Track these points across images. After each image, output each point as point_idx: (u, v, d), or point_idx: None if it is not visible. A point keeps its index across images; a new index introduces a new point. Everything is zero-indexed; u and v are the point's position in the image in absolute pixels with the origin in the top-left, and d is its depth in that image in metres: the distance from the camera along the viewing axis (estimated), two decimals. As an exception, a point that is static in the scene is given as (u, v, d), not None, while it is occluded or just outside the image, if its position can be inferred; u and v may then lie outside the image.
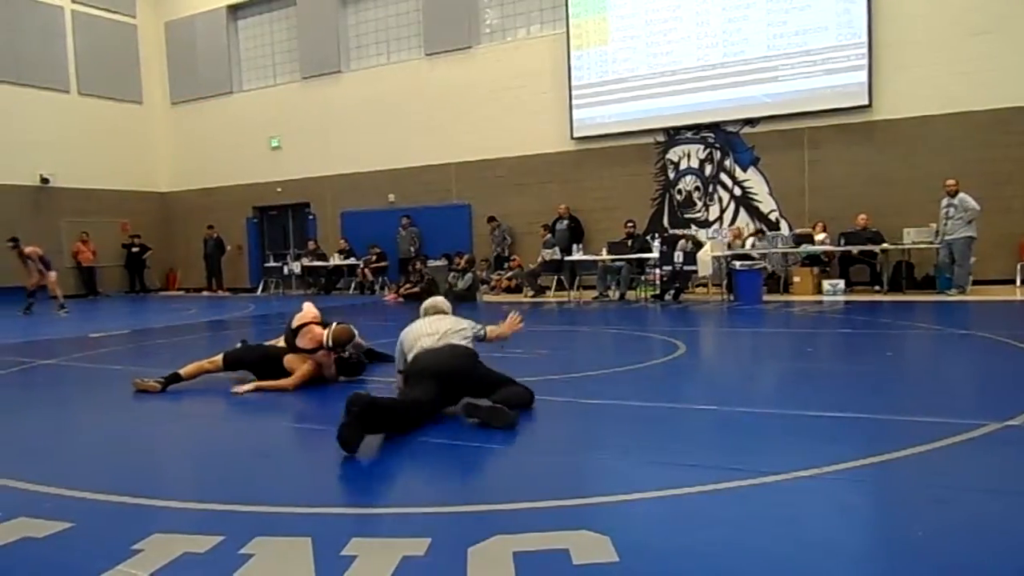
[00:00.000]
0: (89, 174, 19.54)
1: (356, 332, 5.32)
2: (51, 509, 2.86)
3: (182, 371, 5.49)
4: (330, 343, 5.23)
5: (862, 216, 12.42)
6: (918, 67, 12.68)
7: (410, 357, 4.33)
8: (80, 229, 19.20)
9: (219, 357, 5.61)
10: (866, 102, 13.07)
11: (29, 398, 5.79)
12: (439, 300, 4.96)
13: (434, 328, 4.45)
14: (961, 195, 11.17)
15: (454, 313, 4.84)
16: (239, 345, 6.20)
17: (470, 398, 3.95)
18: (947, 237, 11.31)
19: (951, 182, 11.30)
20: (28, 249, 13.78)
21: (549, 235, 14.91)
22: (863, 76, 13.04)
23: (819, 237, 12.60)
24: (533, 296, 14.47)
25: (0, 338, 9.84)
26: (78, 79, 19.53)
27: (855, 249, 12.29)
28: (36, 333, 10.49)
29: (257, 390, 5.26)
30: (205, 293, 19.70)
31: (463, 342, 4.39)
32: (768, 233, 13.55)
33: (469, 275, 14.46)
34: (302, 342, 5.34)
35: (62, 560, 2.41)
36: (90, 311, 14.99)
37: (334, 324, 5.32)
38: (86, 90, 19.67)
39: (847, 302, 11.06)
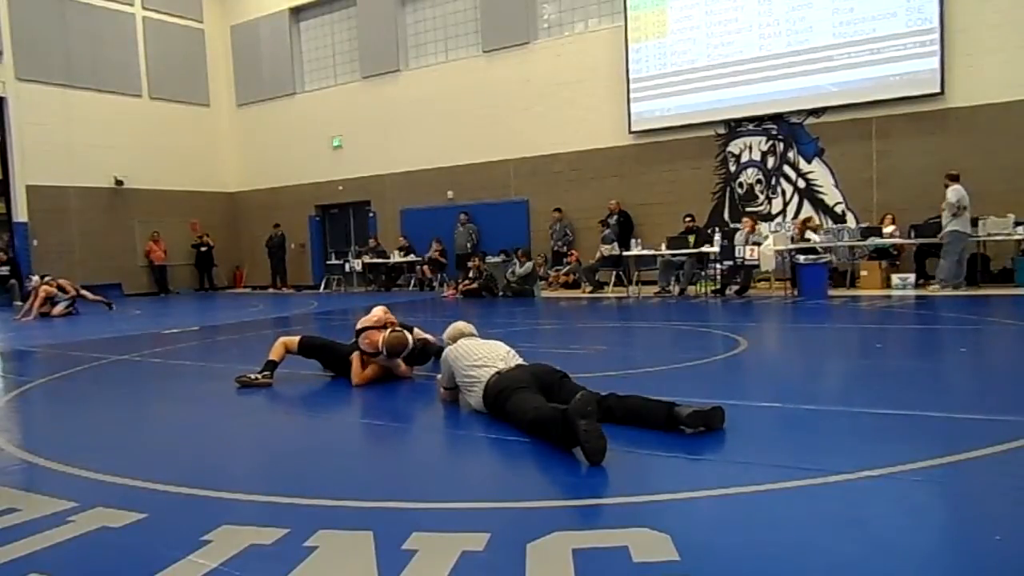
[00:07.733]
0: (160, 176, 20.21)
1: (410, 340, 5.34)
2: (126, 500, 2.97)
3: (273, 356, 5.62)
4: (384, 352, 5.28)
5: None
6: (994, 52, 12.15)
7: (473, 379, 4.26)
8: (152, 229, 19.89)
9: (296, 339, 5.79)
10: (938, 89, 12.59)
11: (104, 392, 6.00)
12: (465, 325, 4.83)
13: (494, 351, 4.39)
14: (952, 187, 10.83)
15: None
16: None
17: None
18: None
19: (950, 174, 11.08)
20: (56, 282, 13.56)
21: (608, 230, 14.81)
22: (935, 63, 12.57)
23: (887, 230, 12.21)
24: (591, 292, 14.40)
25: (77, 335, 10.28)
26: (149, 83, 20.20)
27: (917, 242, 11.87)
28: (111, 331, 10.91)
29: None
30: (270, 290, 20.20)
31: (521, 360, 4.42)
32: (834, 226, 13.18)
33: (529, 263, 14.53)
34: (363, 344, 5.44)
35: (138, 549, 2.50)
36: (162, 308, 15.52)
37: (388, 332, 5.33)
38: (157, 94, 20.33)
39: (918, 296, 10.69)
